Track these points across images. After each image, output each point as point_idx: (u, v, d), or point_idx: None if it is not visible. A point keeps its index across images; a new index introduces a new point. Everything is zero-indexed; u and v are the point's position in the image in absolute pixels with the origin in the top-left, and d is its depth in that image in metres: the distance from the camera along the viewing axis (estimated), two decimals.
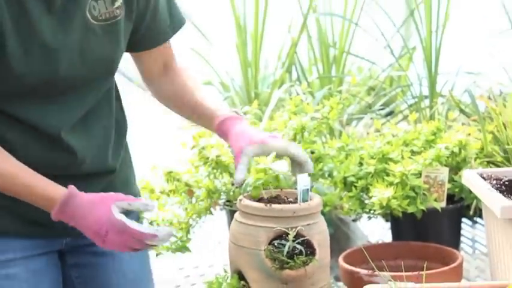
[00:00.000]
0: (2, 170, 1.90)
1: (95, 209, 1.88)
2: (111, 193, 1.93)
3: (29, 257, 2.04)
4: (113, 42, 2.01)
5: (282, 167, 2.22)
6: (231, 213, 2.40)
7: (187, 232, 2.49)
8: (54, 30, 1.92)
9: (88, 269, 2.15)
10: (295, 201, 2.02)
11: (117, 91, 2.18)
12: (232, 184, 2.51)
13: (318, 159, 2.49)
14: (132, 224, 1.86)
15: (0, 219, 2.01)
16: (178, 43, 2.24)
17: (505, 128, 2.56)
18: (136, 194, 2.20)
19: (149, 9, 2.10)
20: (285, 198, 2.09)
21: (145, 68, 2.21)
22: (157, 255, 2.50)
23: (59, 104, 1.97)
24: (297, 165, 2.07)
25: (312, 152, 2.48)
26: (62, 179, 1.91)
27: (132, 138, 2.22)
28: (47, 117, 1.95)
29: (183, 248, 2.49)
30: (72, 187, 1.88)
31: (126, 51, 2.12)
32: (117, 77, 2.19)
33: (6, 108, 1.93)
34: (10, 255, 2.01)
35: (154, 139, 2.39)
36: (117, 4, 1.99)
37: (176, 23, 2.18)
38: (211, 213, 2.55)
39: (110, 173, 2.08)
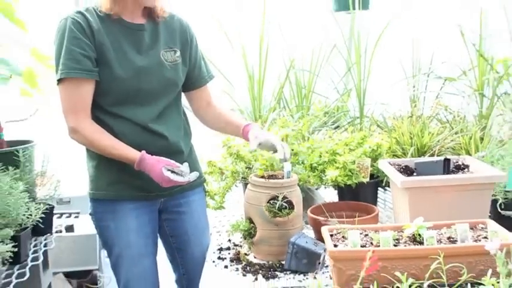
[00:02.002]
0: (104, 141, 1.92)
1: (154, 168, 1.88)
2: (164, 158, 1.91)
3: (139, 213, 2.05)
4: (175, 73, 2.05)
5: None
6: (245, 185, 2.40)
7: (222, 198, 2.47)
8: (141, 62, 1.96)
9: (174, 222, 2.15)
10: (282, 178, 2.08)
11: (185, 114, 2.17)
12: (246, 167, 2.48)
13: (296, 154, 2.47)
14: (175, 177, 1.87)
15: (120, 189, 2.02)
16: (215, 87, 2.23)
17: (403, 136, 2.61)
18: (200, 172, 2.16)
19: (196, 62, 2.13)
20: (277, 176, 2.13)
21: (195, 104, 2.20)
22: None
23: (144, 106, 1.98)
24: (279, 152, 2.01)
25: (292, 149, 2.46)
26: (154, 155, 1.93)
27: None
28: (137, 114, 1.97)
29: (220, 207, 2.48)
30: (143, 152, 1.91)
31: (183, 91, 2.15)
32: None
33: (114, 110, 1.95)
34: (126, 211, 2.04)
35: (200, 142, 2.37)
36: (177, 55, 2.05)
37: (210, 74, 2.19)
38: (236, 185, 2.51)
39: (181, 153, 2.06)
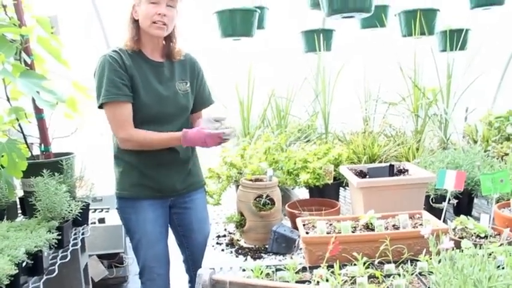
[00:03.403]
0: (152, 137, 1.90)
1: (197, 135, 1.86)
2: (202, 130, 1.87)
3: (154, 208, 2.04)
4: (186, 100, 2.03)
5: (263, 166, 2.11)
6: (237, 186, 2.37)
7: (219, 196, 2.41)
8: (162, 91, 1.95)
9: (181, 215, 2.14)
10: (266, 181, 2.06)
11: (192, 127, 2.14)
12: (238, 172, 2.41)
13: (276, 162, 2.42)
14: (214, 131, 1.85)
15: (139, 190, 2.01)
16: (216, 110, 2.22)
17: (358, 147, 2.59)
18: (201, 178, 2.14)
19: (202, 90, 2.11)
20: (262, 179, 2.11)
21: (193, 121, 2.12)
22: None
23: (165, 125, 1.97)
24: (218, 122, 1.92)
25: (273, 158, 2.43)
26: (166, 164, 1.92)
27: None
28: (157, 131, 1.94)
29: (218, 204, 2.41)
30: (184, 130, 1.89)
31: (192, 112, 2.11)
32: None
33: (141, 128, 1.92)
34: (144, 207, 2.02)
35: (203, 153, 2.34)
36: (188, 85, 2.04)
37: (212, 98, 2.17)
38: (230, 187, 2.46)
39: (189, 161, 2.06)
